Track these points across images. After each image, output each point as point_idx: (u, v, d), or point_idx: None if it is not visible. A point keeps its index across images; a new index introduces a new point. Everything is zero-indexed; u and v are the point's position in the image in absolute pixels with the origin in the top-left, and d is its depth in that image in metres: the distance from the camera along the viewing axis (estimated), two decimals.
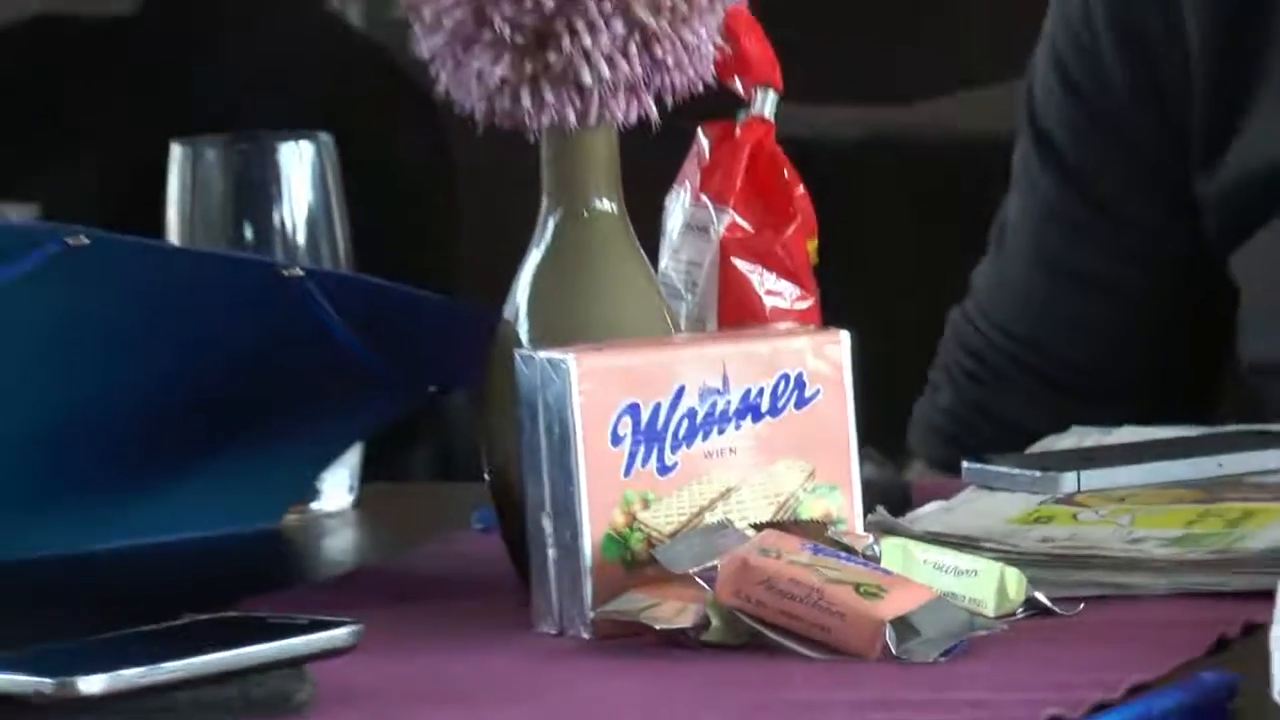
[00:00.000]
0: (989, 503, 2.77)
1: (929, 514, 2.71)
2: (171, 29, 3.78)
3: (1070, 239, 3.13)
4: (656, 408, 2.48)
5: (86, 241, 2.76)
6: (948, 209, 4.15)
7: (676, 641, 2.38)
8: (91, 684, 2.16)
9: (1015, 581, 2.44)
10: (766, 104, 2.77)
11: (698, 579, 2.40)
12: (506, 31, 2.47)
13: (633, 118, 2.57)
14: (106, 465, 2.72)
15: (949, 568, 2.46)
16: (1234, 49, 3.08)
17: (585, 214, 2.63)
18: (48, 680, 2.15)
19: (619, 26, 2.45)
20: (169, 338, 2.81)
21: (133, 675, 2.20)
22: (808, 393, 2.52)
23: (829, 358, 2.56)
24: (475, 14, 2.49)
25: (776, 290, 2.68)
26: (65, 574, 2.69)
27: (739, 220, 2.68)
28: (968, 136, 4.50)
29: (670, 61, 2.49)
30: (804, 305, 2.72)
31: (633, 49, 2.48)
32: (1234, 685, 2.12)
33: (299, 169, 3.01)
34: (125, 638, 2.37)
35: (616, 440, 2.45)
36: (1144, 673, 2.21)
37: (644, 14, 2.49)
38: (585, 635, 2.45)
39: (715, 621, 2.37)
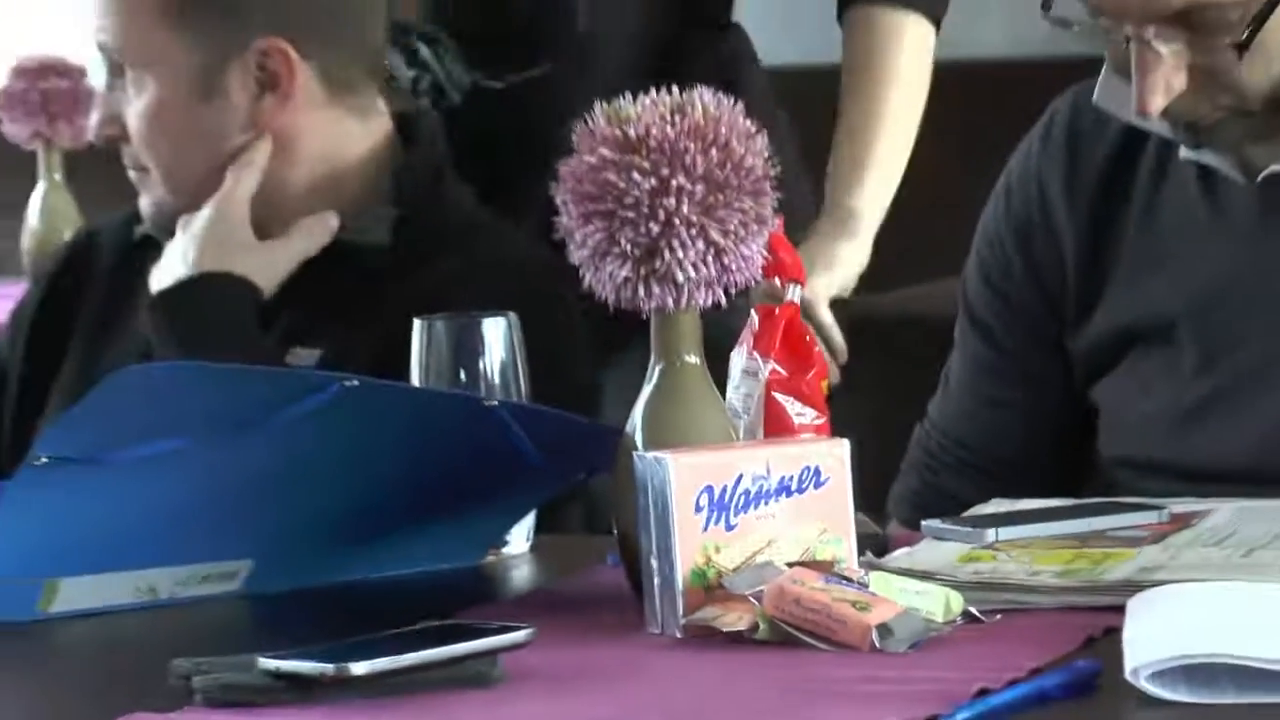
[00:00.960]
0: (939, 549, 2.87)
1: (900, 556, 2.87)
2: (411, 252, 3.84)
3: (991, 379, 3.29)
4: (725, 488, 2.64)
5: (356, 384, 2.92)
6: (920, 374, 4.33)
7: (737, 639, 2.59)
8: (359, 668, 2.41)
9: (955, 600, 2.61)
10: (794, 293, 2.93)
11: (751, 598, 2.58)
12: (628, 249, 2.66)
13: (709, 303, 2.74)
14: (373, 526, 2.93)
15: (912, 591, 2.60)
16: (1093, 244, 3.22)
17: (678, 364, 2.78)
18: (329, 666, 2.40)
19: (700, 245, 2.64)
20: (412, 445, 2.96)
21: (385, 662, 2.44)
22: (822, 478, 2.67)
23: (836, 456, 2.73)
24: (608, 237, 2.68)
25: (802, 414, 2.86)
26: (349, 594, 2.89)
27: (777, 368, 2.87)
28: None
29: (734, 267, 2.67)
30: (819, 422, 2.90)
31: (709, 260, 2.66)
32: (1099, 669, 2.34)
33: (496, 336, 3.05)
34: (382, 637, 2.54)
35: (698, 509, 2.63)
36: (1039, 660, 2.43)
37: (717, 237, 2.68)
38: (678, 635, 2.65)
39: (762, 626, 2.58)
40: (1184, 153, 3.17)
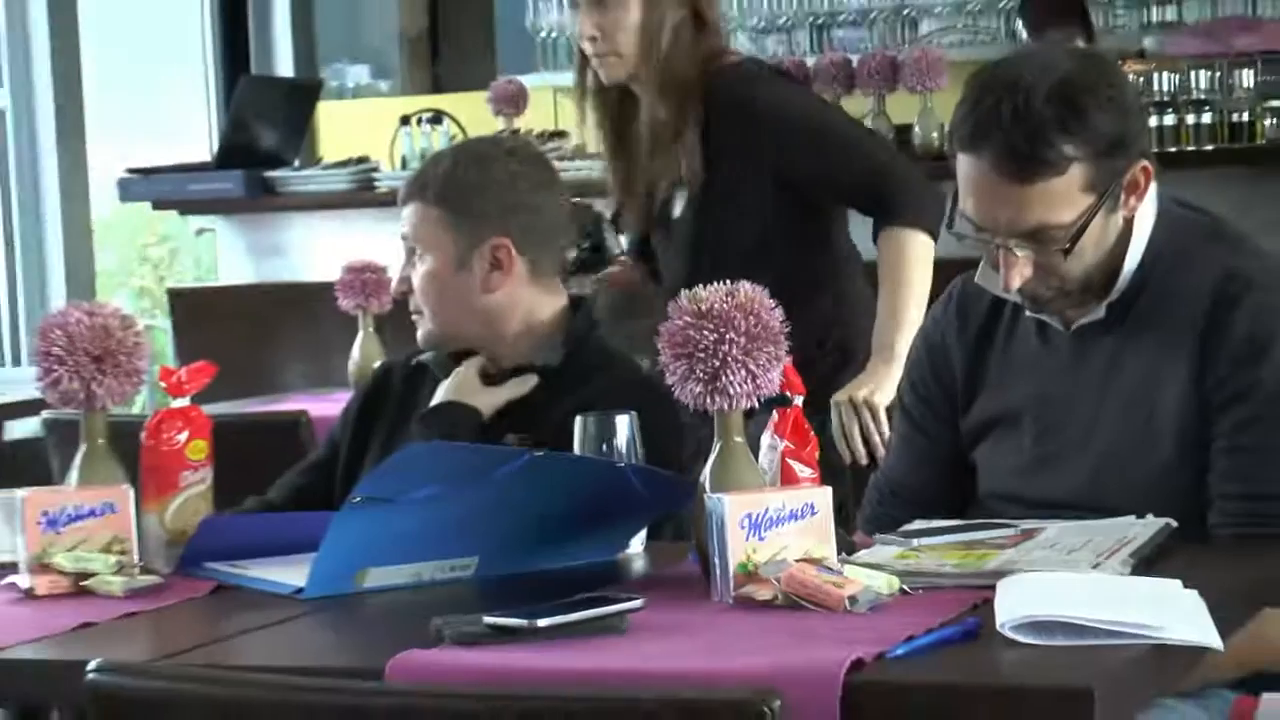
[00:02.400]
0: (885, 550, 2.87)
1: (861, 554, 2.84)
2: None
3: (914, 447, 3.33)
4: (757, 515, 2.68)
5: (540, 455, 3.00)
6: None
7: (765, 605, 2.66)
8: (543, 622, 2.51)
9: (894, 581, 2.65)
10: (799, 400, 2.88)
11: (773, 580, 2.64)
12: (700, 375, 2.72)
13: (747, 406, 2.77)
14: (550, 536, 2.98)
15: (869, 575, 2.66)
16: (974, 367, 3.26)
17: (730, 442, 2.80)
18: (524, 620, 2.50)
19: (742, 374, 2.68)
20: (575, 489, 2.98)
21: (558, 618, 2.53)
22: (815, 510, 2.73)
23: (822, 497, 2.76)
24: (688, 369, 2.74)
25: (803, 471, 2.85)
26: (536, 577, 2.92)
27: (789, 445, 2.86)
28: None
29: (763, 383, 2.73)
30: (813, 476, 2.86)
31: (748, 382, 2.71)
32: (980, 623, 2.47)
33: (623, 426, 3.01)
34: (556, 603, 2.58)
35: (740, 527, 2.68)
36: (945, 617, 2.52)
37: (753, 369, 2.77)
38: (729, 602, 2.70)
39: (780, 597, 2.65)
40: (1028, 313, 3.20)
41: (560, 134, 7.24)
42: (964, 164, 3.10)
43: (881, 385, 4.24)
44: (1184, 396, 3.10)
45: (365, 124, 8.38)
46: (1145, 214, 3.16)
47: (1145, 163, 3.11)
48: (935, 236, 4.40)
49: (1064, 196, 3.02)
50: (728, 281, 2.82)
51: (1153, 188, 3.15)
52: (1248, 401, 3.03)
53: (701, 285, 2.86)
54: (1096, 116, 3.02)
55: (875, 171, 4.27)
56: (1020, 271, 3.05)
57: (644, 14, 4.27)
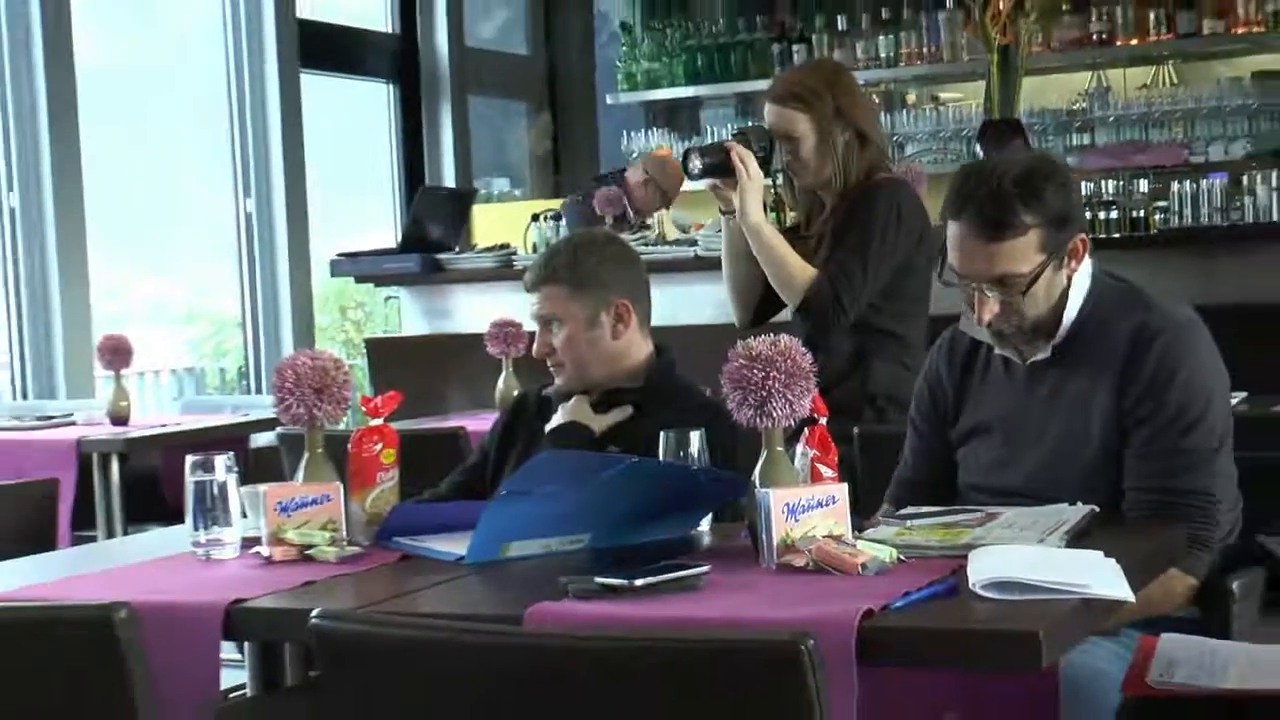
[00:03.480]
0: (886, 529, 2.83)
1: (869, 532, 2.79)
2: None
3: (924, 453, 3.32)
4: (794, 504, 2.65)
5: (636, 460, 2.95)
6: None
7: (800, 570, 2.60)
8: (639, 582, 2.50)
9: (894, 552, 2.61)
10: (823, 421, 2.83)
11: (806, 551, 2.60)
12: (751, 402, 2.68)
13: (787, 424, 2.72)
14: (642, 518, 2.93)
15: (875, 548, 2.61)
16: (959, 392, 3.26)
17: (774, 451, 2.74)
18: (625, 580, 2.48)
19: (782, 401, 2.67)
20: (661, 485, 2.96)
21: (651, 579, 2.51)
22: (835, 500, 2.68)
23: (841, 491, 2.72)
24: (743, 398, 2.70)
25: (827, 473, 2.81)
26: (633, 549, 2.84)
27: (817, 453, 2.82)
28: None
29: (798, 409, 2.69)
30: (834, 476, 2.81)
31: (787, 406, 2.68)
32: (956, 584, 2.46)
33: (696, 439, 2.99)
34: (649, 567, 2.56)
35: (781, 513, 2.63)
36: (931, 579, 2.48)
37: (790, 397, 2.72)
38: (773, 568, 2.64)
39: (811, 564, 2.59)
40: (996, 350, 3.21)
41: (646, 225, 7.23)
42: (950, 228, 3.13)
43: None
44: (1107, 416, 3.10)
45: (506, 220, 8.36)
46: (1082, 278, 3.17)
47: (1083, 235, 3.15)
48: (809, 313, 4.18)
49: (1023, 253, 3.06)
50: None
51: (1088, 260, 3.18)
52: (1153, 422, 3.05)
53: None
54: (1049, 196, 3.07)
55: (841, 273, 4.14)
56: (990, 309, 3.08)
57: (818, 149, 4.16)
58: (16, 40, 7.74)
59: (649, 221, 7.42)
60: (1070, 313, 3.18)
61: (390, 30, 10.04)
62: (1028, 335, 3.18)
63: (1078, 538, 2.76)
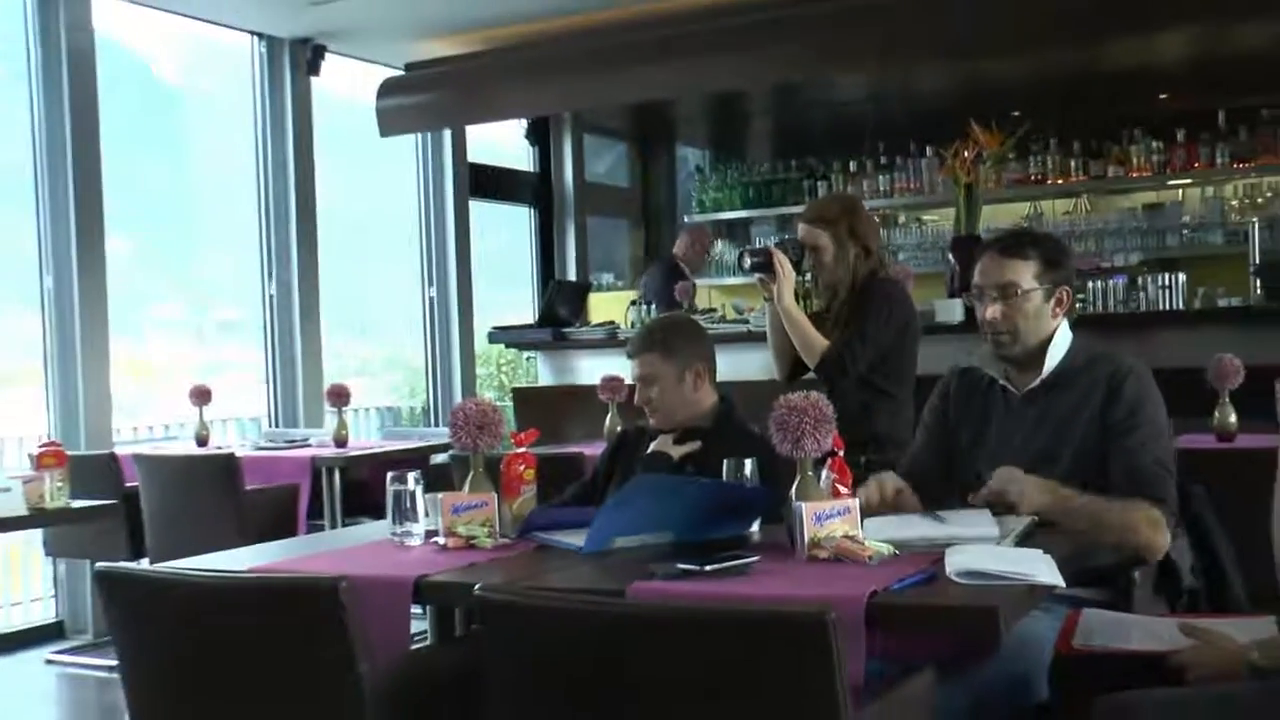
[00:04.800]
0: (884, 530, 2.66)
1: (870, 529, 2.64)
2: None
3: (930, 449, 3.25)
4: (822, 512, 2.59)
5: (706, 481, 2.99)
6: None
7: (824, 561, 2.54)
8: (709, 567, 2.45)
9: (891, 548, 2.54)
10: (840, 453, 2.76)
11: (829, 547, 2.54)
12: (790, 438, 2.64)
13: (815, 455, 2.67)
14: (709, 520, 2.80)
15: (878, 545, 2.54)
16: (963, 409, 3.20)
17: (806, 475, 2.67)
18: (697, 565, 2.43)
19: (812, 438, 2.63)
20: (724, 498, 2.89)
21: (716, 566, 2.46)
22: (849, 510, 2.61)
23: (854, 503, 2.65)
24: (784, 435, 2.67)
25: (843, 491, 2.73)
26: (704, 544, 2.69)
27: (836, 476, 2.75)
28: None
29: (823, 445, 2.66)
30: (848, 493, 2.73)
31: (815, 442, 2.64)
32: (937, 572, 2.39)
33: (750, 465, 2.95)
34: (716, 555, 2.51)
35: (810, 518, 2.58)
36: (920, 568, 2.42)
37: (816, 436, 2.67)
38: (805, 559, 2.57)
39: (832, 556, 2.54)
40: (1000, 383, 3.18)
41: (712, 310, 7.28)
42: (981, 257, 3.19)
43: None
44: (1086, 434, 3.04)
45: (611, 304, 8.43)
46: (1064, 335, 3.17)
47: (1068, 289, 3.16)
48: (822, 371, 4.12)
49: (1023, 272, 3.10)
50: None
51: (1067, 326, 3.19)
52: (1129, 436, 2.99)
53: None
54: (1047, 247, 3.16)
55: (846, 345, 4.14)
56: (993, 310, 3.11)
57: (836, 257, 4.16)
58: (278, 190, 8.14)
59: (714, 305, 7.49)
60: (1054, 359, 3.14)
61: (532, 169, 10.15)
62: (1021, 361, 3.15)
63: (1022, 540, 2.69)
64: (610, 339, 7.23)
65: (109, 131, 6.88)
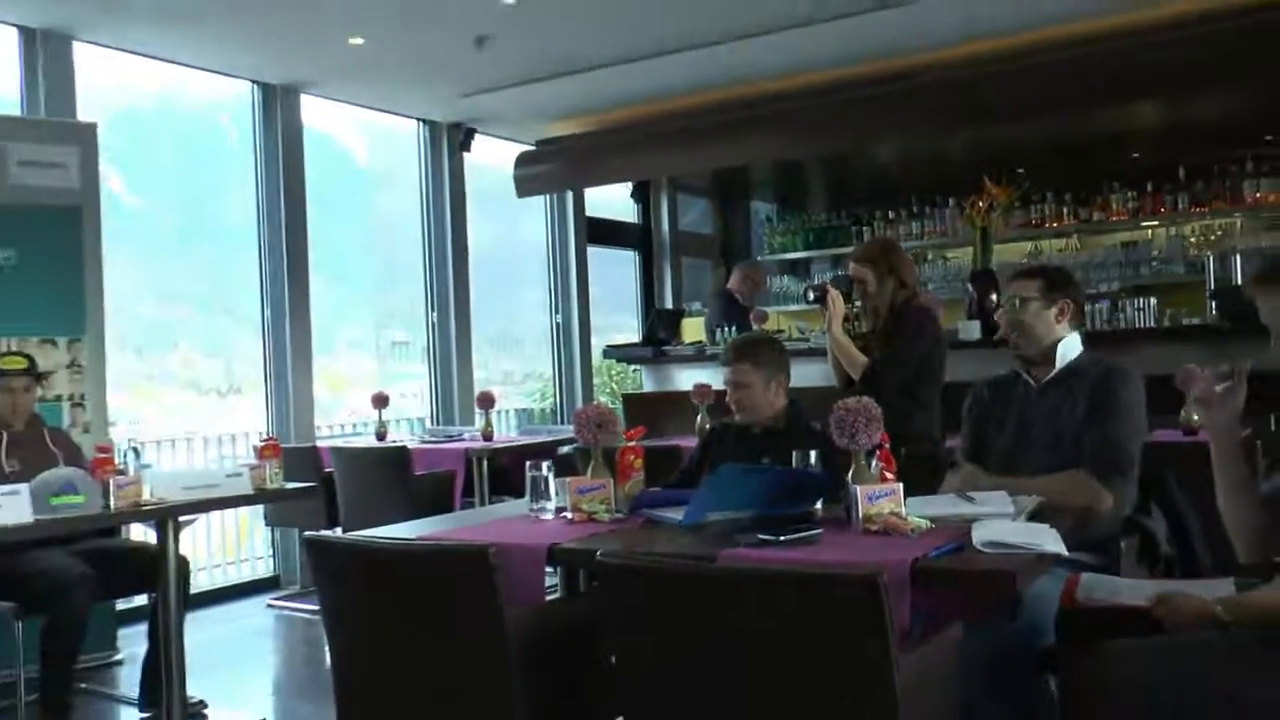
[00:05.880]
0: (924, 508, 2.65)
1: (913, 509, 2.61)
2: None
3: (974, 439, 3.13)
4: (871, 493, 2.56)
5: (780, 468, 2.94)
6: None
7: (877, 533, 2.51)
8: (783, 536, 2.42)
9: (929, 523, 2.51)
10: (886, 445, 2.68)
11: (879, 521, 2.52)
12: (848, 435, 2.63)
13: (868, 447, 2.65)
14: (784, 500, 2.70)
15: (919, 519, 2.52)
16: (993, 403, 3.14)
17: (859, 463, 2.63)
18: (773, 536, 2.40)
19: (865, 434, 2.60)
20: (794, 482, 2.80)
21: (789, 536, 2.43)
22: (893, 492, 2.56)
23: (898, 486, 2.59)
24: (841, 432, 2.64)
25: (889, 476, 2.62)
26: (779, 518, 2.59)
27: (883, 464, 2.65)
28: None
29: (873, 438, 2.63)
30: (893, 477, 2.63)
31: (867, 437, 2.62)
32: (965, 542, 2.34)
33: (815, 455, 2.89)
34: (789, 527, 2.49)
35: (864, 498, 2.54)
36: (950, 539, 2.38)
37: (868, 432, 2.64)
38: (861, 531, 2.53)
39: (881, 529, 2.50)
40: (1023, 376, 3.15)
41: (780, 332, 7.21)
42: (1010, 280, 3.21)
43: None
44: (1080, 422, 2.98)
45: (700, 328, 8.39)
46: (1074, 342, 3.15)
47: (1069, 302, 3.12)
48: (864, 382, 4.04)
49: (1029, 288, 3.12)
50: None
51: (1079, 337, 3.16)
52: (1097, 421, 2.96)
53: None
54: (1051, 273, 3.18)
55: (883, 361, 4.08)
56: (1006, 319, 3.14)
57: (878, 288, 4.12)
58: (438, 239, 8.26)
59: (782, 328, 7.42)
60: (1064, 359, 3.12)
61: (636, 221, 10.13)
62: (1034, 360, 3.13)
63: (1032, 517, 2.62)
64: (699, 354, 7.20)
65: (313, 197, 7.18)
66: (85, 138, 5.23)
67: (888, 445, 2.72)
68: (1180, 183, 8.41)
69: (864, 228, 9.62)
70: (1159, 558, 2.99)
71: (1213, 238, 8.31)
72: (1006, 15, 6.20)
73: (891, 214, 9.48)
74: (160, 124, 6.99)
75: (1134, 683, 2.15)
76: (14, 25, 5.68)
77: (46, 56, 5.73)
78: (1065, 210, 8.79)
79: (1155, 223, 8.59)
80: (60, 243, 5.10)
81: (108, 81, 6.14)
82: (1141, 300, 6.75)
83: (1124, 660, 2.22)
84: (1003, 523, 2.53)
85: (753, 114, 7.62)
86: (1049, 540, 2.37)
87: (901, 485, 2.64)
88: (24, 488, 3.42)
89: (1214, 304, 6.34)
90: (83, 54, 5.88)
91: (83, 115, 5.73)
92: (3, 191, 4.97)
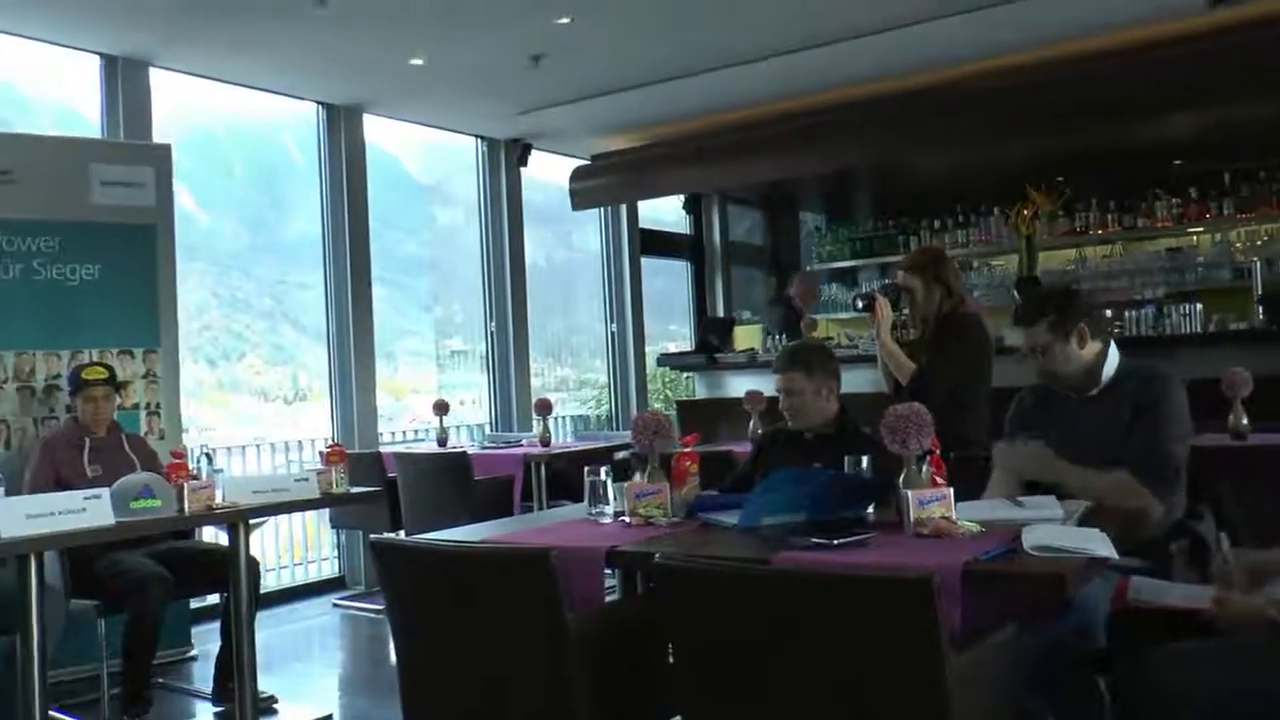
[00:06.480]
0: (974, 512, 2.64)
1: (964, 512, 2.59)
2: None
3: (1009, 444, 3.03)
4: (923, 498, 2.54)
5: (831, 472, 2.87)
6: None
7: (928, 537, 2.49)
8: (836, 540, 2.40)
9: (980, 526, 2.49)
10: (937, 451, 2.65)
11: (930, 524, 2.50)
12: (898, 439, 2.59)
13: (919, 453, 2.61)
14: (836, 504, 2.68)
15: (970, 524, 2.50)
16: (1036, 410, 3.12)
17: (910, 468, 2.59)
18: (826, 539, 2.37)
19: (916, 439, 2.56)
20: (846, 486, 2.78)
21: (843, 540, 2.40)
22: (944, 497, 2.52)
23: (948, 492, 2.56)
24: (893, 436, 2.61)
25: (940, 481, 2.60)
26: (831, 522, 2.59)
27: (934, 469, 2.61)
28: None
29: (924, 443, 2.59)
30: (944, 481, 2.61)
31: (918, 442, 2.57)
32: (1017, 546, 2.31)
33: (866, 460, 2.85)
34: (840, 533, 2.48)
35: (916, 502, 2.52)
36: (1001, 542, 2.34)
37: (919, 438, 2.58)
38: (912, 535, 2.51)
39: (932, 532, 2.48)
40: (1063, 393, 3.08)
41: (830, 338, 7.18)
42: (1018, 330, 3.11)
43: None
44: (1126, 427, 2.93)
45: (751, 335, 8.39)
46: (1111, 354, 3.08)
47: (1084, 324, 3.04)
48: (912, 386, 4.00)
49: (1038, 334, 3.05)
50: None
51: (1114, 347, 3.09)
52: (1142, 427, 2.91)
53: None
54: (1051, 305, 3.07)
55: (930, 367, 4.06)
56: (1038, 369, 3.09)
57: (925, 296, 4.11)
58: (496, 252, 8.27)
59: (831, 335, 7.39)
60: (1108, 372, 3.06)
61: (688, 232, 10.11)
62: (1074, 386, 3.06)
63: (1081, 521, 2.59)
64: (751, 362, 7.18)
65: (374, 212, 7.22)
66: (160, 158, 5.32)
67: (938, 450, 2.68)
68: (1225, 188, 8.30)
69: (910, 237, 9.57)
70: (1209, 561, 2.94)
71: (1259, 242, 8.19)
72: (1049, 24, 6.15)
73: (937, 223, 9.44)
74: (229, 144, 7.14)
75: (1188, 686, 2.12)
76: (96, 53, 5.84)
77: (125, 82, 5.88)
78: (1109, 217, 8.70)
79: (1200, 229, 8.48)
80: (137, 258, 5.19)
81: (180, 104, 6.29)
82: (1187, 306, 6.64)
83: (1178, 663, 2.19)
84: (1053, 526, 2.50)
85: (802, 126, 7.60)
86: (1100, 544, 2.34)
87: (952, 490, 2.61)
88: (105, 492, 3.47)
89: (1261, 308, 6.24)
90: (158, 79, 6.03)
91: (157, 137, 5.85)
92: (87, 210, 5.08)
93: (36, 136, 5.34)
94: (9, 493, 3.48)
